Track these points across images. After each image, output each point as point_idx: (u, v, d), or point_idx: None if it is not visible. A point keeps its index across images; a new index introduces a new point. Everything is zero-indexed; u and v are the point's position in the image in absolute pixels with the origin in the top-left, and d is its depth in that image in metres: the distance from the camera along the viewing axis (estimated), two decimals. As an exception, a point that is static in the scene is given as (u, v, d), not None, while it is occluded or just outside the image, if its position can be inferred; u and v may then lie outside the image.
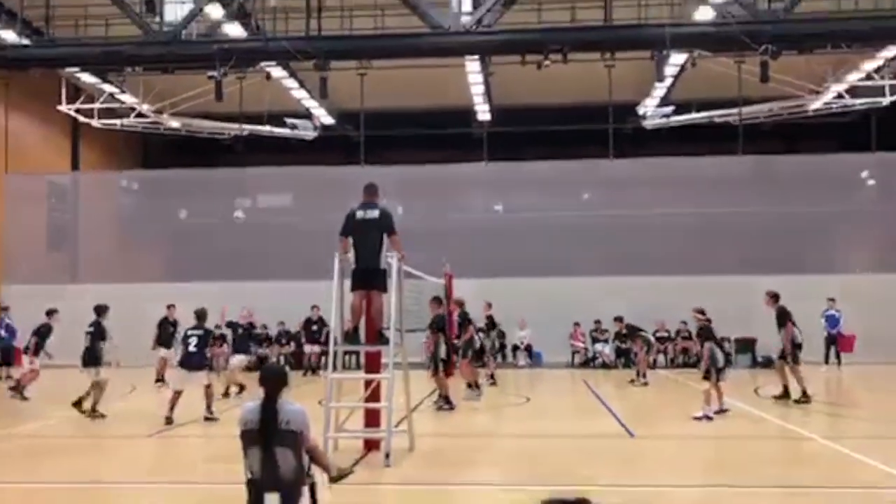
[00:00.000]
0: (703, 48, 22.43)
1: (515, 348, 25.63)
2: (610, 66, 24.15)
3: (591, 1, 20.04)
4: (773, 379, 18.94)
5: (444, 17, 17.63)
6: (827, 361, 22.37)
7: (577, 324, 25.50)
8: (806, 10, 17.39)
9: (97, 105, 30.28)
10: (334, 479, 6.59)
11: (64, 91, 30.01)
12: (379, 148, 31.91)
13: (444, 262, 18.52)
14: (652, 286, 24.65)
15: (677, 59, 24.29)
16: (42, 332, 17.17)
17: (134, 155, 39.26)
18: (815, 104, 29.52)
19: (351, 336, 10.51)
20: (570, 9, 21.76)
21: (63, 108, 30.37)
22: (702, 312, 14.34)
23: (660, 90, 29.33)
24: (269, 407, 5.98)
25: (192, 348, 13.72)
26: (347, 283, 10.40)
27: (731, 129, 30.05)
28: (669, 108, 31.23)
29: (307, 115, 32.77)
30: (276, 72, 26.94)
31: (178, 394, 13.34)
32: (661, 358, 25.06)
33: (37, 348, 17.03)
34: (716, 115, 30.74)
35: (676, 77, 27.09)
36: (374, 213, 10.34)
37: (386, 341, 10.22)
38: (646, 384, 19.43)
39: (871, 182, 30.76)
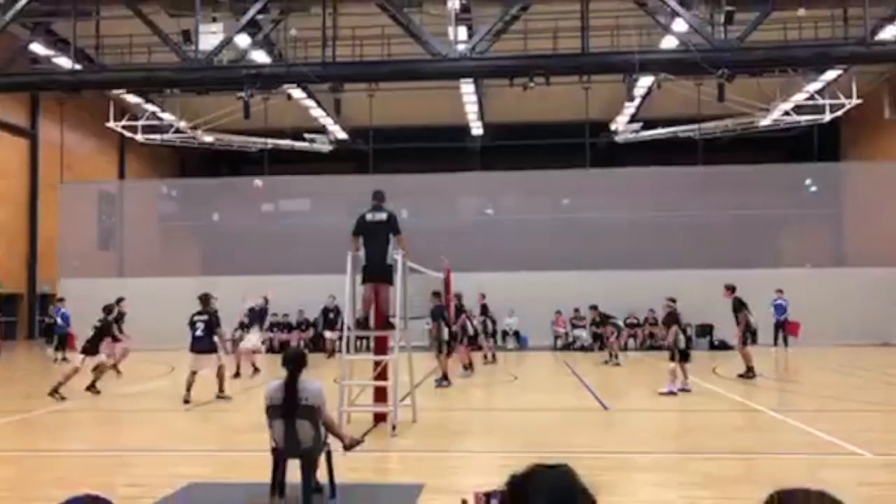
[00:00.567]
0: (667, 72, 22.43)
1: (504, 333, 25.63)
2: (586, 88, 24.20)
3: (570, 31, 20.03)
4: (728, 360, 19.04)
5: (442, 45, 17.59)
6: (775, 344, 22.39)
7: (558, 312, 25.51)
8: (757, 39, 17.36)
9: (141, 122, 30.27)
10: (348, 448, 6.61)
11: (112, 110, 29.99)
12: (386, 159, 31.95)
13: (443, 259, 18.52)
14: (623, 279, 24.67)
15: (645, 81, 24.34)
16: (116, 318, 16.81)
17: (173, 165, 39.30)
18: (765, 121, 29.55)
19: (362, 323, 10.52)
20: (552, 38, 21.76)
21: (111, 124, 30.33)
22: (672, 300, 14.29)
23: (630, 109, 29.35)
24: (291, 385, 6.00)
25: (199, 333, 13.09)
26: (359, 277, 10.40)
27: (692, 143, 30.10)
28: (638, 125, 31.25)
29: (323, 130, 32.77)
30: (297, 93, 26.97)
31: (193, 374, 12.86)
32: (631, 342, 25.09)
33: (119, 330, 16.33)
34: (678, 130, 30.78)
35: (644, 97, 27.11)
36: (382, 216, 10.34)
37: (392, 327, 10.22)
38: (618, 364, 19.43)
39: (813, 188, 30.78)
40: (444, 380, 14.92)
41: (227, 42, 17.79)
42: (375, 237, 10.26)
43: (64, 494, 1.76)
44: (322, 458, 6.27)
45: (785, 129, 30.23)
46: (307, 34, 20.47)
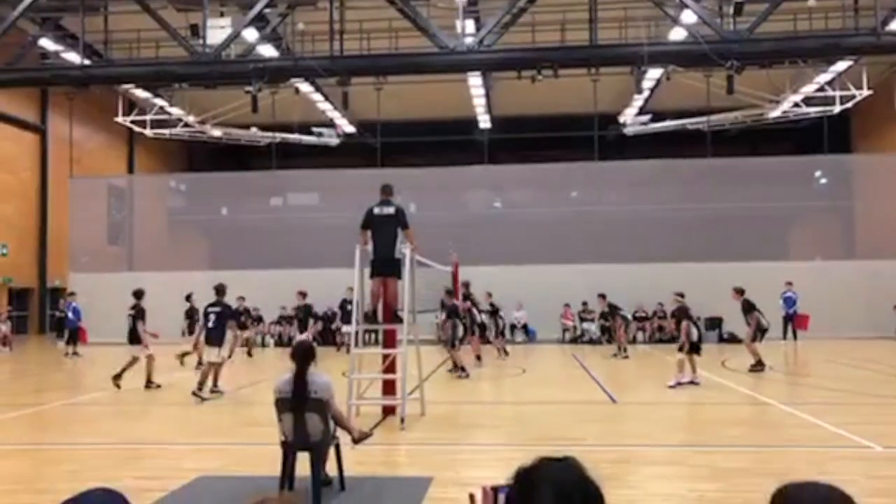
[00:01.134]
0: (676, 64, 22.28)
1: (513, 327, 25.63)
2: (595, 80, 24.11)
3: (578, 23, 19.96)
4: (738, 353, 19.01)
5: (450, 38, 17.56)
6: (785, 337, 22.32)
7: (566, 305, 25.49)
8: (766, 30, 17.26)
9: (149, 117, 30.36)
10: (357, 441, 6.63)
11: (121, 105, 30.09)
12: (394, 153, 31.96)
13: (452, 252, 18.54)
14: (632, 272, 24.64)
15: (654, 73, 24.23)
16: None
17: (181, 160, 39.40)
18: (775, 112, 29.41)
19: (370, 317, 10.54)
20: (559, 30, 21.69)
21: (120, 119, 30.44)
22: (681, 295, 14.27)
23: (638, 101, 29.26)
24: (300, 378, 6.03)
25: (211, 324, 12.92)
26: (367, 271, 10.41)
27: (701, 135, 29.95)
28: (647, 117, 31.15)
29: (331, 124, 32.81)
30: (304, 87, 26.99)
31: (210, 365, 12.81)
32: (639, 335, 25.07)
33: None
34: (687, 122, 30.65)
35: (653, 89, 27.03)
36: (390, 210, 10.34)
37: (400, 321, 10.23)
38: (626, 357, 19.42)
39: (823, 181, 30.63)
40: (461, 370, 15.25)
41: (235, 36, 17.80)
42: (383, 231, 10.26)
43: (76, 487, 1.78)
44: (331, 452, 6.30)
45: (794, 120, 30.06)
46: (314, 28, 20.47)
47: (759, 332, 16.06)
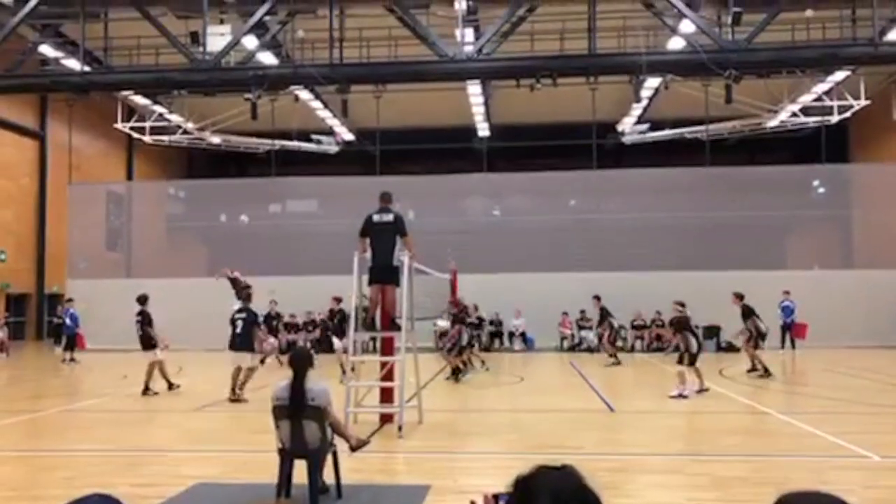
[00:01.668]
0: (674, 73, 22.34)
1: (511, 335, 25.62)
2: (593, 89, 24.17)
3: (577, 32, 20.03)
4: (735, 362, 19.03)
5: (449, 46, 17.62)
6: (783, 346, 22.32)
7: (565, 313, 25.48)
8: (765, 40, 17.33)
9: (149, 123, 30.40)
10: (354, 448, 6.62)
11: (120, 111, 30.14)
12: (393, 160, 31.99)
13: (450, 260, 18.55)
14: (630, 281, 24.63)
15: (652, 82, 24.29)
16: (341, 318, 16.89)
17: (180, 166, 39.44)
18: (773, 122, 29.51)
19: (368, 324, 10.52)
20: (558, 39, 21.75)
21: (119, 126, 30.49)
22: (682, 305, 14.19)
23: (637, 110, 29.35)
24: (298, 385, 6.01)
25: (238, 330, 12.95)
26: (365, 278, 10.40)
27: (700, 144, 30.03)
28: (645, 126, 31.24)
29: (330, 132, 32.87)
30: (304, 94, 27.03)
31: (238, 370, 12.75)
32: (637, 343, 25.06)
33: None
34: (686, 131, 30.75)
35: (651, 98, 27.11)
36: (389, 217, 10.34)
37: (398, 328, 10.22)
38: (619, 363, 19.31)
39: (821, 190, 30.69)
40: (460, 372, 15.65)
41: (235, 44, 17.85)
42: (382, 238, 10.25)
43: (72, 494, 1.77)
44: (328, 459, 6.28)
45: (792, 130, 30.15)
46: (314, 35, 20.51)
47: (759, 337, 16.19)
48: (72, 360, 20.76)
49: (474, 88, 26.84)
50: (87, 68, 19.34)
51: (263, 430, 7.58)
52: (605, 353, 19.95)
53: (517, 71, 18.84)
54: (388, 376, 10.51)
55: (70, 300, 22.48)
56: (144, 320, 14.04)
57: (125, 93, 26.77)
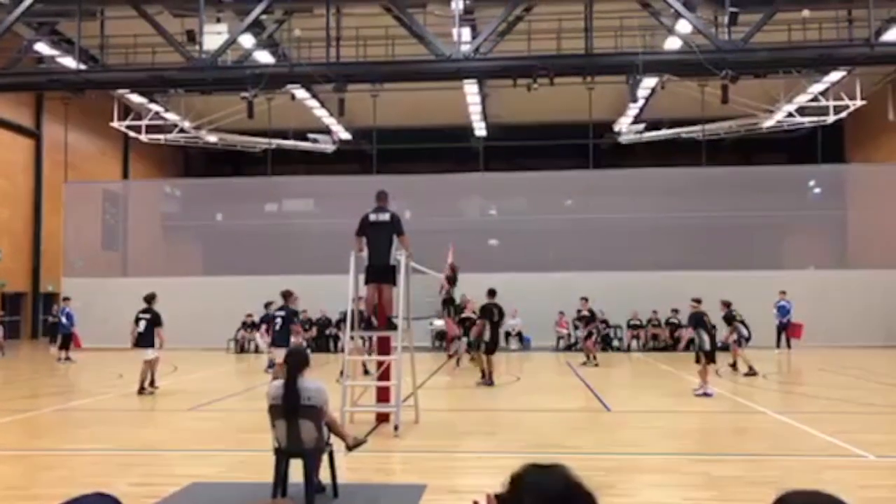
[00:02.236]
0: (671, 73, 22.42)
1: (508, 334, 25.61)
2: (590, 89, 24.19)
3: (574, 32, 20.05)
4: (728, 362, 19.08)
5: (446, 46, 17.62)
6: (778, 346, 22.37)
7: (561, 313, 25.49)
8: (761, 40, 17.36)
9: (145, 122, 30.36)
10: (350, 448, 6.62)
11: (116, 110, 30.08)
12: (389, 160, 31.98)
13: (449, 250, 18.60)
14: (626, 280, 24.67)
15: (649, 82, 24.33)
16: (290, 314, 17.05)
17: (176, 165, 39.39)
18: (769, 122, 29.57)
19: (365, 323, 10.53)
20: (555, 39, 21.77)
21: (115, 124, 30.43)
22: (698, 301, 14.12)
23: (633, 109, 29.37)
24: (291, 384, 6.01)
25: (278, 328, 13.86)
26: (362, 277, 10.40)
27: (696, 144, 30.09)
28: (642, 126, 31.27)
29: (327, 130, 32.83)
30: (300, 93, 26.99)
31: (280, 366, 12.68)
32: (634, 343, 25.10)
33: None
34: (682, 131, 30.80)
35: (648, 98, 27.12)
36: (386, 217, 10.34)
37: (395, 328, 10.22)
38: (596, 365, 19.26)
39: (817, 190, 30.76)
40: (487, 379, 14.95)
41: (231, 42, 17.83)
42: (379, 237, 10.26)
43: (68, 493, 1.77)
44: (325, 458, 6.28)
45: (789, 130, 30.22)
46: (311, 34, 20.51)
47: (741, 339, 16.83)
48: (67, 359, 20.71)
49: (471, 88, 26.85)
50: (83, 66, 19.33)
51: (259, 429, 7.58)
52: (585, 353, 19.88)
53: (514, 70, 18.86)
54: (385, 375, 10.51)
55: (66, 299, 22.43)
56: (154, 319, 14.15)
57: (121, 91, 26.73)
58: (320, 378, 6.71)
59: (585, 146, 29.67)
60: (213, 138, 31.90)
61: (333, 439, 6.36)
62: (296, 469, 6.09)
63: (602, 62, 18.47)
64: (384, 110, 28.03)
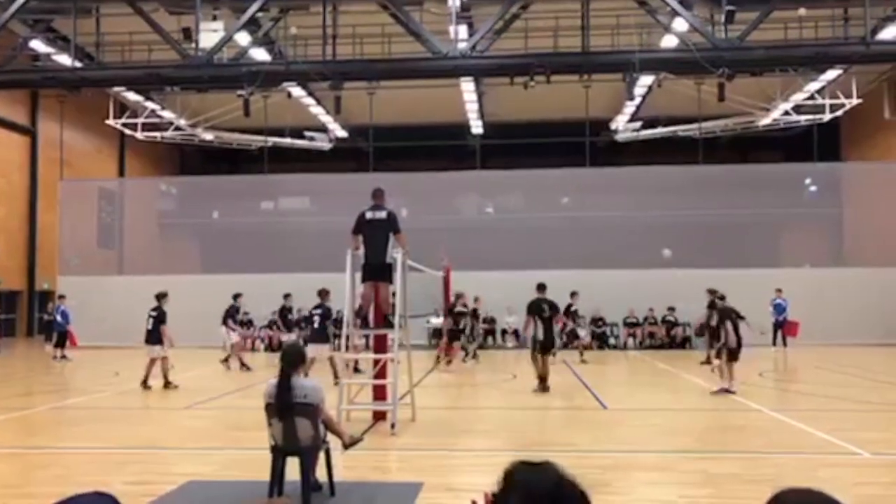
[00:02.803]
0: (667, 71, 22.44)
1: (504, 332, 25.62)
2: (587, 87, 24.19)
3: (571, 30, 20.05)
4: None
5: (443, 43, 17.61)
6: (774, 344, 22.40)
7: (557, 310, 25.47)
8: (757, 38, 17.38)
9: (141, 120, 30.30)
10: (347, 446, 6.61)
11: (112, 107, 30.02)
12: (386, 157, 31.96)
13: (443, 256, 18.57)
14: (622, 278, 24.68)
15: (645, 80, 24.35)
16: (230, 312, 17.83)
17: (172, 163, 39.33)
18: (765, 120, 29.60)
19: (361, 321, 10.52)
20: (552, 37, 21.77)
21: (111, 122, 30.37)
22: (722, 297, 13.89)
23: (630, 107, 29.39)
24: (284, 382, 6.00)
25: (316, 325, 14.54)
26: (358, 275, 10.39)
27: (692, 142, 30.12)
28: (638, 123, 31.28)
29: (323, 128, 32.79)
30: (297, 91, 26.96)
31: (311, 361, 12.94)
32: (630, 341, 25.12)
33: (235, 325, 17.64)
34: (679, 129, 30.82)
35: (645, 96, 27.14)
36: (382, 215, 10.33)
37: (391, 326, 10.21)
38: (584, 362, 19.38)
39: (813, 188, 30.81)
40: (544, 386, 13.44)
41: (228, 40, 17.80)
42: (375, 235, 10.24)
43: (64, 492, 1.77)
44: (321, 457, 6.28)
45: (785, 128, 30.26)
46: (307, 32, 20.47)
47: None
48: (63, 357, 20.68)
49: (468, 85, 26.84)
50: (78, 64, 19.27)
51: (256, 427, 7.57)
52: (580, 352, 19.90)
53: (511, 68, 18.86)
54: (382, 374, 10.51)
55: (61, 297, 22.38)
56: (158, 317, 14.48)
57: (117, 89, 26.65)
58: (316, 376, 6.70)
59: (582, 144, 29.68)
60: (209, 136, 31.85)
61: (330, 437, 6.36)
62: (292, 467, 6.09)
63: (599, 60, 18.48)
64: (381, 108, 28.01)
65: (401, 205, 24.81)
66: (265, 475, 6.09)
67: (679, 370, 17.89)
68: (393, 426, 9.45)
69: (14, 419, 11.25)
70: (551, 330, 13.72)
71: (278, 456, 6.09)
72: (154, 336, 14.40)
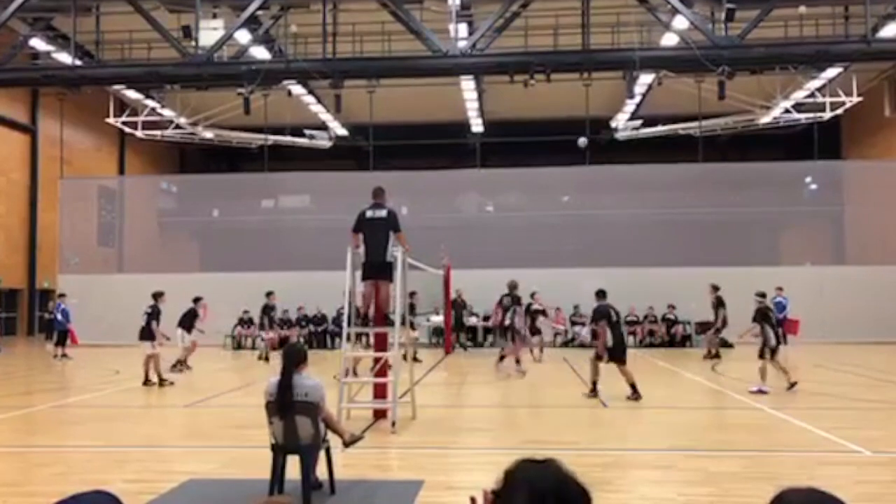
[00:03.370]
0: (667, 69, 22.43)
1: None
2: (587, 85, 24.16)
3: (571, 28, 20.04)
4: (728, 358, 19.13)
5: (443, 42, 17.60)
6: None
7: (558, 309, 25.48)
8: (758, 36, 17.37)
9: (141, 118, 30.29)
10: (347, 444, 6.62)
11: (112, 106, 30.01)
12: (386, 156, 31.93)
13: (443, 255, 18.54)
14: (623, 276, 24.65)
15: (645, 78, 24.34)
16: (189, 316, 17.50)
17: (172, 161, 39.32)
18: (766, 118, 29.57)
19: (362, 320, 10.53)
20: (552, 35, 21.76)
21: (111, 120, 30.35)
22: (762, 295, 13.97)
23: (630, 106, 29.37)
24: (285, 381, 6.01)
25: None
26: (359, 273, 10.40)
27: (692, 140, 30.08)
28: (638, 122, 31.25)
29: (323, 127, 32.77)
30: (297, 89, 26.96)
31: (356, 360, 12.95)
32: (630, 339, 25.10)
33: (189, 328, 17.17)
34: (679, 127, 30.78)
35: (645, 94, 27.14)
36: (382, 213, 10.33)
37: (392, 324, 10.22)
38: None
39: (813, 186, 30.81)
40: (633, 392, 12.43)
41: (227, 38, 17.79)
42: (375, 234, 10.25)
43: (65, 490, 1.77)
44: (322, 455, 6.28)
45: (785, 126, 30.23)
46: (307, 30, 20.47)
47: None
48: (63, 355, 20.68)
49: (468, 84, 26.82)
50: (78, 62, 19.26)
51: (256, 425, 7.58)
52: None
53: (511, 67, 18.84)
54: (382, 372, 10.52)
55: (62, 295, 22.39)
56: (153, 315, 14.72)
57: (117, 87, 26.65)
58: (315, 375, 6.70)
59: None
60: (209, 134, 31.84)
61: (330, 435, 6.37)
62: (293, 465, 6.09)
63: (599, 58, 18.46)
64: (381, 106, 27.99)
65: (401, 203, 24.82)
66: (265, 473, 6.10)
67: (679, 368, 17.89)
68: (393, 424, 9.46)
69: (15, 418, 11.26)
70: (622, 335, 13.05)
71: (279, 454, 6.10)
72: (145, 333, 14.67)
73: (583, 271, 25.09)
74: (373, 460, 8.03)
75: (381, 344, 10.79)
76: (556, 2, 20.20)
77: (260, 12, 18.39)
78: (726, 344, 21.74)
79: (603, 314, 12.68)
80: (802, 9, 19.45)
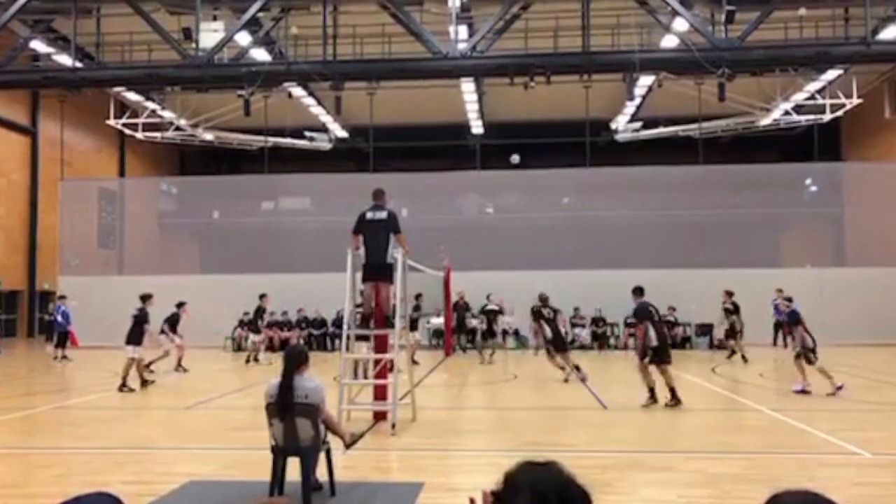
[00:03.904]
0: (668, 71, 22.45)
1: (504, 332, 25.61)
2: (587, 87, 24.18)
3: (571, 30, 20.06)
4: (728, 361, 19.11)
5: (443, 44, 17.62)
6: (775, 343, 22.40)
7: (558, 310, 25.47)
8: (758, 38, 17.39)
9: (141, 120, 30.32)
10: (348, 445, 6.63)
11: (112, 108, 30.04)
12: (386, 158, 31.96)
13: (444, 257, 18.53)
14: (623, 278, 24.57)
15: (645, 80, 24.35)
16: (172, 319, 17.83)
17: (172, 163, 39.34)
18: (766, 120, 29.61)
19: (362, 322, 10.53)
20: (552, 37, 21.77)
21: (111, 122, 30.39)
22: (790, 300, 14.26)
23: (630, 108, 29.41)
24: (286, 382, 6.02)
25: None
26: (359, 275, 10.40)
27: (692, 142, 30.11)
28: (638, 124, 31.30)
29: (323, 128, 32.81)
30: (297, 91, 26.97)
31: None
32: (630, 341, 25.08)
33: (173, 330, 17.46)
34: (679, 129, 30.83)
35: (645, 96, 27.15)
36: (383, 215, 10.33)
37: (392, 326, 10.22)
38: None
39: (813, 188, 30.82)
40: (673, 397, 11.59)
41: (228, 40, 17.80)
42: (376, 236, 10.25)
43: (65, 492, 1.78)
44: (322, 457, 6.29)
45: (785, 128, 30.26)
46: (308, 32, 20.49)
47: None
48: (63, 357, 20.68)
49: (468, 86, 26.84)
50: (78, 64, 19.28)
51: (256, 427, 7.59)
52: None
53: (511, 68, 18.85)
54: (382, 374, 10.52)
55: (62, 297, 22.40)
56: (140, 318, 14.56)
57: (117, 89, 26.66)
58: (316, 377, 6.70)
59: (582, 144, 29.65)
60: (209, 136, 31.86)
61: (331, 437, 6.37)
62: (293, 467, 6.10)
63: (599, 60, 18.47)
64: (381, 108, 28.01)
65: (401, 205, 24.81)
66: (266, 475, 6.11)
67: (679, 370, 17.85)
68: (393, 426, 9.46)
69: (15, 419, 11.27)
70: (666, 336, 12.32)
71: (279, 456, 6.11)
72: (132, 336, 14.40)
73: (582, 273, 25.10)
74: (373, 462, 8.03)
75: (382, 346, 10.80)
76: (556, 4, 20.22)
77: (260, 14, 18.40)
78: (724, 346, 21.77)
79: (646, 313, 11.93)
80: (802, 11, 19.48)
